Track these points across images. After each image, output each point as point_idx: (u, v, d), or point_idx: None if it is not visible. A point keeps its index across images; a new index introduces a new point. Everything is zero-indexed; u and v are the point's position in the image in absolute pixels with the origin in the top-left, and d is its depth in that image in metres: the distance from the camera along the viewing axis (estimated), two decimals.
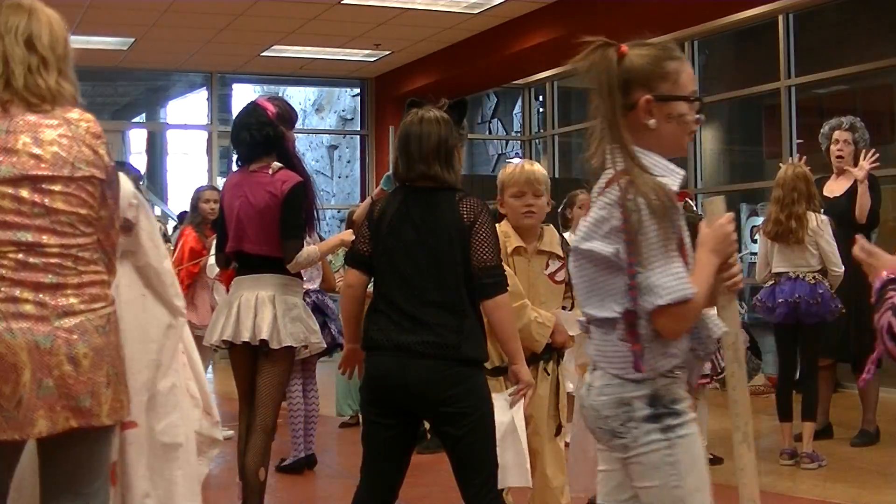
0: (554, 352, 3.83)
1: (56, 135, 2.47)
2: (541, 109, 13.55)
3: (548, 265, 3.83)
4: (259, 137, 4.30)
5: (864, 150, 6.38)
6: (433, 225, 3.19)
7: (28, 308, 2.38)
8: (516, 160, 14.54)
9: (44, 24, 2.58)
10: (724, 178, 11.81)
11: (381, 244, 3.23)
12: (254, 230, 4.26)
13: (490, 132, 14.71)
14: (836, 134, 6.50)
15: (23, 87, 2.48)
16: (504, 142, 14.61)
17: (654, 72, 2.30)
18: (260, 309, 4.22)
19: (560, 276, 3.85)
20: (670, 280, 2.13)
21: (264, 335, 4.20)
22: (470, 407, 3.15)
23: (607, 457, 2.36)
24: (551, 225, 3.94)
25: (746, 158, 12.17)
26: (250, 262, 4.31)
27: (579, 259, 2.28)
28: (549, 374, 3.80)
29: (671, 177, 2.25)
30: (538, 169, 3.85)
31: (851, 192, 6.32)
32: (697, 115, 2.33)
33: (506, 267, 3.61)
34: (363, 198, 13.55)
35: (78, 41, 10.16)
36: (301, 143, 18.13)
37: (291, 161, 4.38)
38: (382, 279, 3.25)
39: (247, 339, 4.21)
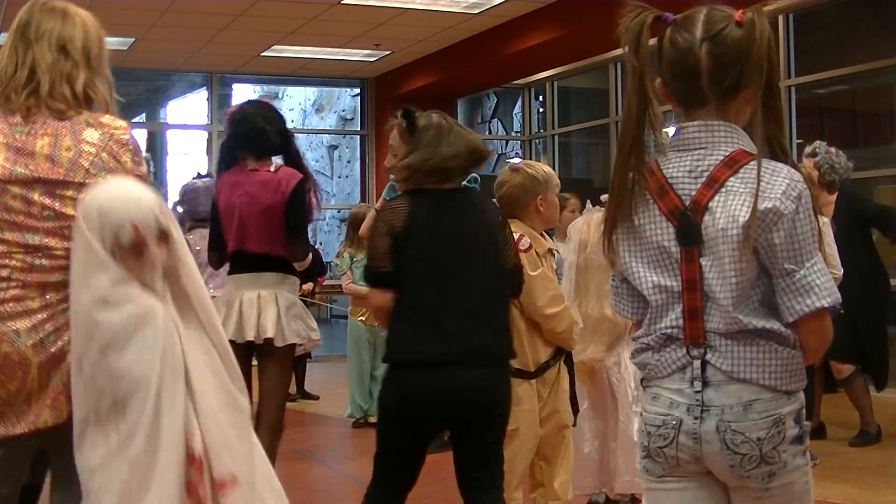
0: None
1: (76, 140, 2.46)
2: (541, 109, 13.55)
3: (553, 263, 3.94)
4: (274, 134, 4.29)
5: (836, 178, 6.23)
6: (478, 227, 3.14)
7: (34, 305, 2.39)
8: (516, 160, 14.63)
9: (77, 27, 2.58)
10: None
11: (415, 254, 3.06)
12: (256, 229, 4.23)
13: (490, 132, 14.71)
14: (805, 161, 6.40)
15: (47, 95, 2.48)
16: (504, 142, 14.62)
17: None
18: (264, 307, 4.20)
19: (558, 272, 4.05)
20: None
21: (269, 333, 4.19)
22: (508, 408, 3.22)
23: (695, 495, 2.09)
24: None
25: None
26: (251, 260, 4.27)
27: None
28: (565, 368, 3.90)
29: None
30: None
31: (840, 200, 6.28)
32: None
33: (545, 271, 3.76)
34: (363, 198, 13.56)
35: None
36: (301, 143, 18.14)
37: (299, 160, 4.39)
38: (421, 290, 3.07)
39: (251, 338, 4.19)
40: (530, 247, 3.72)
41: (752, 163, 1.97)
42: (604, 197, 5.03)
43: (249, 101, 4.55)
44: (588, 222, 4.52)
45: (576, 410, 3.99)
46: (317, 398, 8.59)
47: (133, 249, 2.33)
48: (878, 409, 6.47)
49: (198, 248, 5.31)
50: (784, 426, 1.99)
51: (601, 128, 12.24)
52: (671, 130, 2.17)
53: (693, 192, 2.01)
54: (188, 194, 6.11)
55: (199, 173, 6.55)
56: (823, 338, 2.02)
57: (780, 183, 1.95)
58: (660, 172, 2.05)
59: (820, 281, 1.95)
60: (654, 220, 2.04)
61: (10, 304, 2.38)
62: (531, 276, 3.65)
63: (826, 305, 1.95)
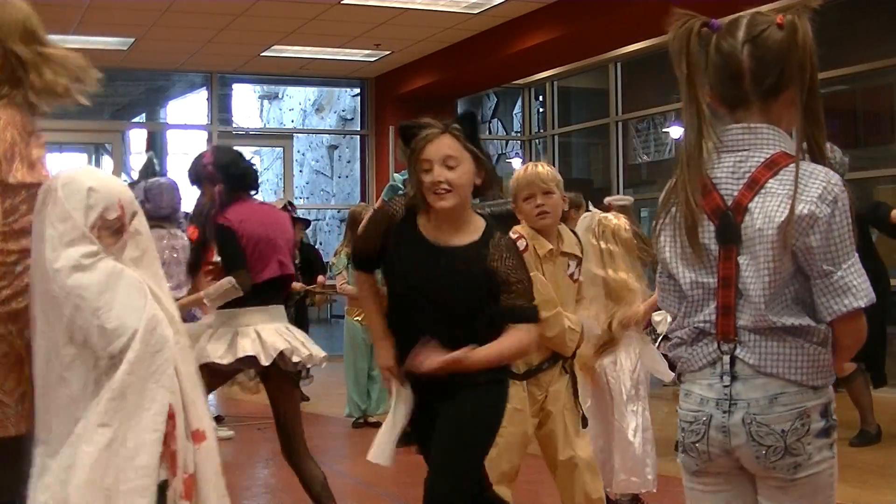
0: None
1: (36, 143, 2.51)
2: (541, 109, 13.55)
3: (568, 265, 3.84)
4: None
5: None
6: None
7: (19, 306, 2.42)
8: (517, 160, 14.55)
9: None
10: None
11: None
12: (290, 254, 4.48)
13: (490, 132, 14.71)
14: None
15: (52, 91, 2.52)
16: (504, 142, 14.61)
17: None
18: (297, 333, 4.31)
19: (576, 276, 3.88)
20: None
21: (322, 354, 4.32)
22: None
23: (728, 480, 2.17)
24: (562, 224, 3.93)
25: None
26: (286, 283, 4.46)
27: None
28: (566, 373, 3.84)
29: None
30: (542, 168, 3.82)
31: None
32: None
33: (538, 274, 3.66)
34: (363, 198, 13.55)
35: (78, 41, 10.26)
36: (301, 143, 18.15)
37: None
38: None
39: (299, 360, 4.25)
40: (527, 248, 3.71)
41: (792, 165, 2.04)
42: (607, 199, 5.04)
43: (218, 146, 4.82)
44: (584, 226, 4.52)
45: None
46: (307, 399, 8.59)
47: (115, 228, 2.43)
48: (878, 409, 6.47)
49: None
50: (809, 419, 2.05)
51: (601, 128, 12.24)
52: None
53: (735, 193, 2.07)
54: (153, 191, 6.18)
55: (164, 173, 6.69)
56: (858, 336, 2.09)
57: (816, 186, 2.01)
58: (705, 173, 2.11)
59: (857, 282, 2.02)
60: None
61: (4, 306, 2.40)
62: None
63: (862, 306, 2.02)
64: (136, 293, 2.40)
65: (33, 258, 2.40)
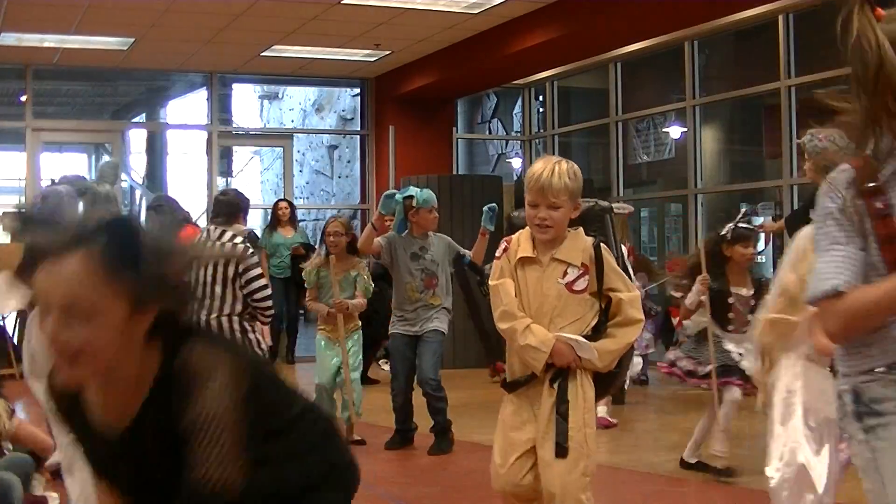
0: (564, 370, 3.38)
1: None
2: (541, 109, 13.54)
3: (566, 273, 3.39)
4: None
5: None
6: None
7: None
8: (517, 160, 14.44)
9: None
10: (725, 178, 11.82)
11: None
12: None
13: (490, 132, 14.71)
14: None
15: None
16: (504, 142, 14.61)
17: None
18: None
19: (579, 286, 3.40)
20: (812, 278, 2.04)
21: None
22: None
23: None
24: (580, 229, 3.47)
25: (746, 158, 12.17)
26: None
27: None
28: (554, 391, 3.37)
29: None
30: (558, 178, 3.34)
31: None
32: None
33: (505, 281, 3.38)
34: (363, 198, 13.55)
35: (78, 41, 10.26)
36: (301, 143, 18.15)
37: None
38: None
39: None
40: (505, 250, 3.44)
41: None
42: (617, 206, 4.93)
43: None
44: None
45: None
46: None
47: None
48: None
49: None
50: (843, 401, 2.11)
51: (601, 128, 12.23)
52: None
53: None
54: (49, 200, 5.44)
55: (52, 180, 6.29)
56: None
57: None
58: None
59: None
60: None
61: None
62: (491, 286, 3.45)
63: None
64: None
65: None
